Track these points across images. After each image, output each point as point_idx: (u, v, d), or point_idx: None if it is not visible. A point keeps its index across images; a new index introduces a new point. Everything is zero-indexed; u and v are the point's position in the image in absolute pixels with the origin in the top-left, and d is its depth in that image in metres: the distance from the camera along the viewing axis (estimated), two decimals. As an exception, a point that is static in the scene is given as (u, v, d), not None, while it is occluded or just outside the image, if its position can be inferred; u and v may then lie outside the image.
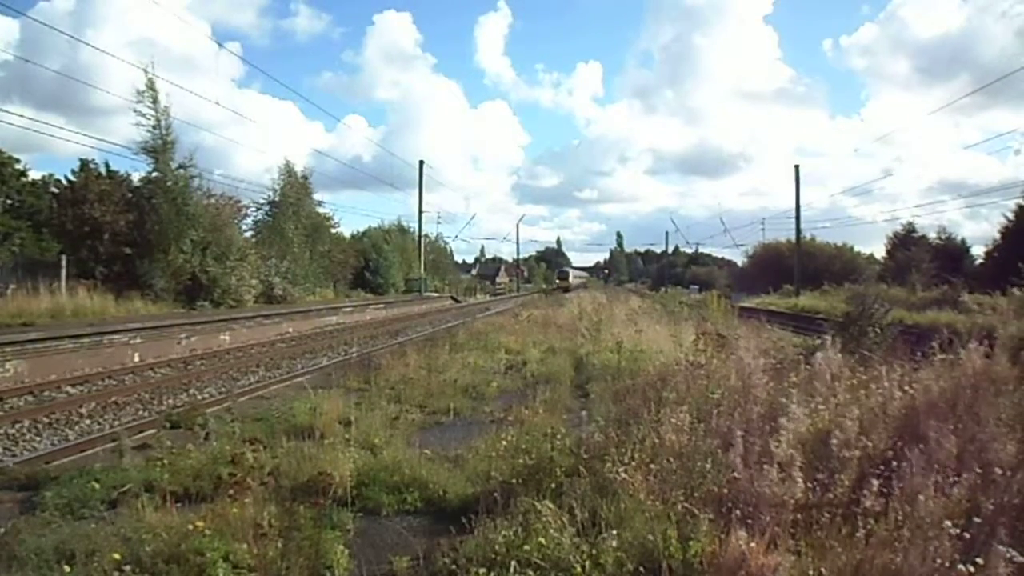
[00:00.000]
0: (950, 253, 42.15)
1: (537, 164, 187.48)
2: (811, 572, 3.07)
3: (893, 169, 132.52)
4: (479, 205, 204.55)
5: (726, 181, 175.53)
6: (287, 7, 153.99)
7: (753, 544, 3.11)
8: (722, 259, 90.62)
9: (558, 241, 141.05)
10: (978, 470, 3.60)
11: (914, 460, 3.44)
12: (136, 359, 14.93)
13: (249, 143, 76.31)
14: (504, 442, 5.72)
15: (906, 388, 4.55)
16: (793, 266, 45.40)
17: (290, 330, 22.64)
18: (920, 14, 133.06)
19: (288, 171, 35.32)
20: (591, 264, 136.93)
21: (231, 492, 4.29)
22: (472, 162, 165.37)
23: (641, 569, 3.41)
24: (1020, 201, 36.02)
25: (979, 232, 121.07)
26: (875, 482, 3.38)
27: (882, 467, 3.67)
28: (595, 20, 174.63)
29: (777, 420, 4.20)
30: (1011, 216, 36.87)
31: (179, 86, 54.03)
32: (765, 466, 3.59)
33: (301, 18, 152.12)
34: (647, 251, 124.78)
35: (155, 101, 24.26)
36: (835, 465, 3.75)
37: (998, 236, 38.01)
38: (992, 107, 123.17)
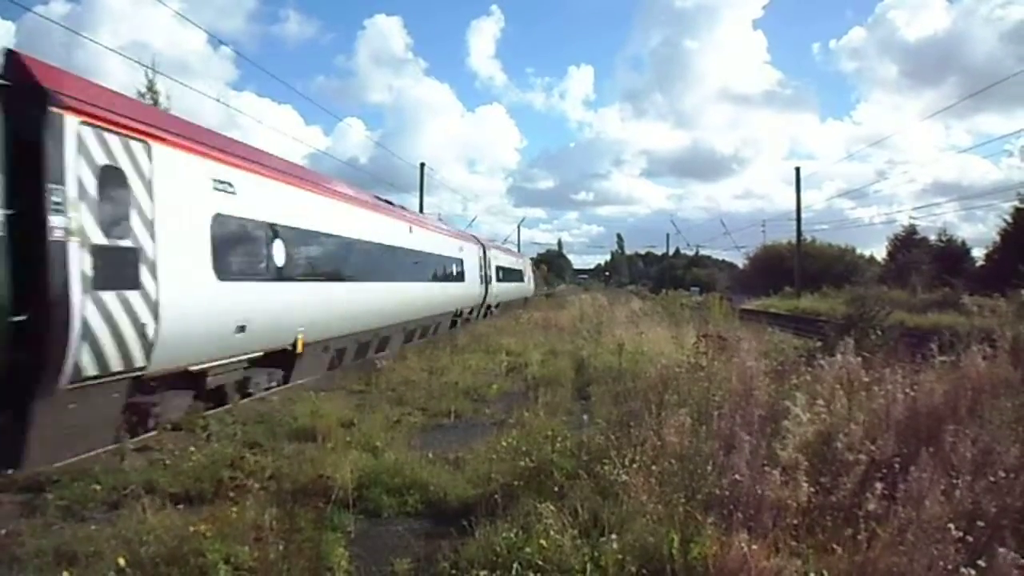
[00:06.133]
0: (950, 255, 42.19)
1: (533, 167, 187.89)
2: (813, 575, 3.07)
3: (886, 171, 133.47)
4: (477, 207, 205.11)
5: (721, 184, 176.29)
6: (276, 12, 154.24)
7: (755, 546, 3.11)
8: (723, 261, 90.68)
9: (559, 243, 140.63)
10: (987, 472, 3.59)
11: (918, 463, 3.44)
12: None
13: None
14: (505, 444, 5.72)
15: (907, 391, 4.55)
16: (793, 268, 45.38)
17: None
18: (908, 18, 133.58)
19: None
20: (592, 266, 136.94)
21: (232, 494, 4.30)
22: (468, 164, 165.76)
23: (643, 571, 3.40)
24: (1017, 204, 36.11)
25: (975, 234, 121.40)
26: (878, 485, 3.37)
27: (885, 470, 3.67)
28: (585, 24, 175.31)
29: (779, 422, 4.20)
30: (1009, 219, 36.96)
31: (182, 83, 53.79)
32: (767, 469, 3.59)
33: (291, 23, 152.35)
34: (648, 253, 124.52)
35: (156, 103, 24.30)
36: (838, 468, 3.74)
37: (997, 238, 38.13)
38: (982, 110, 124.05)
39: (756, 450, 3.80)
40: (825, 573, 3.06)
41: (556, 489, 4.57)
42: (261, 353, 9.27)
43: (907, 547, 3.00)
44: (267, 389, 9.71)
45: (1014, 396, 4.63)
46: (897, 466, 3.65)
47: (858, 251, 58.40)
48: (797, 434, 3.93)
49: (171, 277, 7.10)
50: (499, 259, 31.10)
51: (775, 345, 12.00)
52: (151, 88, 24.35)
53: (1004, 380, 4.80)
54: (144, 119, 7.36)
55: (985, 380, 4.69)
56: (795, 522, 3.39)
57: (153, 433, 7.04)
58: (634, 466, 4.41)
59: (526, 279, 42.04)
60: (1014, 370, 4.98)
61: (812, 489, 3.53)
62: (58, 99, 5.92)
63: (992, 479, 3.52)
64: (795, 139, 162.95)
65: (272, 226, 9.46)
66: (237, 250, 8.71)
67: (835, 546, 3.19)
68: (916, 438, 4.04)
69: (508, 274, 33.63)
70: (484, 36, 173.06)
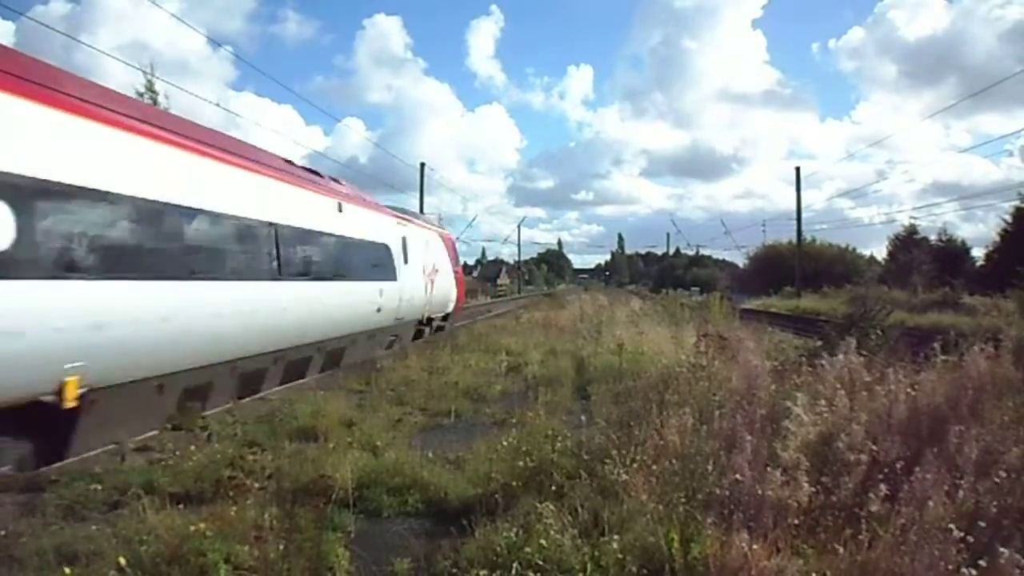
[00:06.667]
0: (950, 255, 42.19)
1: (532, 166, 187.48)
2: (814, 575, 3.06)
3: (886, 171, 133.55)
4: (476, 207, 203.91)
5: (721, 183, 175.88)
6: (276, 13, 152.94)
7: (756, 547, 3.10)
8: (723, 261, 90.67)
9: (559, 243, 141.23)
10: (989, 472, 3.58)
11: (921, 463, 3.43)
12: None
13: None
14: (505, 444, 5.72)
15: (909, 390, 4.54)
16: (794, 268, 45.39)
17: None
18: (907, 18, 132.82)
19: None
20: (592, 266, 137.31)
21: (232, 494, 4.30)
22: (468, 164, 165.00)
23: (643, 571, 3.40)
24: (1018, 204, 36.13)
25: (975, 234, 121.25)
26: (881, 486, 3.37)
27: (886, 470, 3.66)
28: (584, 24, 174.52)
29: (779, 422, 4.19)
30: (1009, 219, 36.98)
31: (178, 87, 53.18)
32: (768, 468, 3.58)
33: (290, 23, 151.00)
34: (648, 253, 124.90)
35: (155, 103, 24.31)
36: (839, 468, 3.74)
37: (997, 238, 38.15)
38: (982, 110, 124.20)
39: (757, 450, 3.80)
40: (827, 573, 3.05)
41: (556, 489, 4.57)
42: None
43: (909, 547, 3.00)
44: None
45: (1015, 396, 4.63)
46: (898, 467, 3.64)
47: (858, 251, 58.40)
48: (799, 434, 3.93)
49: None
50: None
51: (775, 345, 12.01)
52: (150, 88, 24.38)
53: (1006, 380, 4.80)
54: None
55: (987, 380, 4.68)
56: (796, 522, 3.38)
57: (153, 432, 7.05)
58: (634, 465, 4.40)
59: (405, 271, 16.29)
60: (1016, 370, 4.97)
61: (813, 489, 3.53)
62: None
63: (995, 480, 3.51)
64: (795, 139, 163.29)
65: None
66: None
67: (836, 546, 3.19)
68: (917, 438, 4.04)
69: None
70: (484, 36, 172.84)
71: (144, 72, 24.33)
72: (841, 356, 5.01)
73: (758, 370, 5.16)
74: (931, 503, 3.14)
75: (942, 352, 5.25)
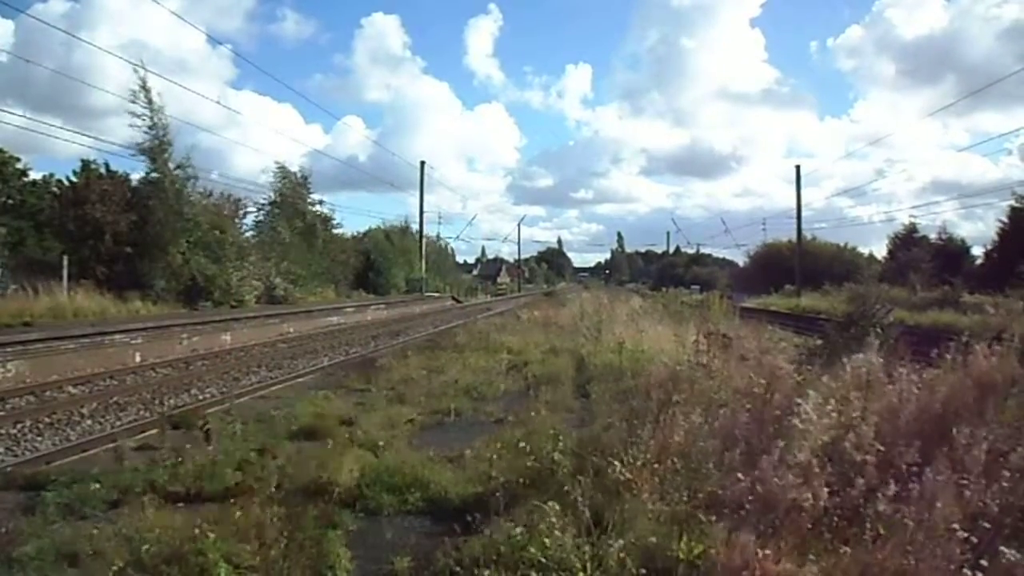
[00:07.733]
0: (950, 253, 42.10)
1: (532, 165, 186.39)
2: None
3: (885, 170, 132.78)
4: (476, 206, 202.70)
5: (720, 182, 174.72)
6: (274, 12, 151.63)
7: (760, 547, 3.09)
8: (723, 259, 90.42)
9: (559, 241, 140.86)
10: (994, 472, 3.56)
11: (933, 464, 3.41)
12: (137, 359, 14.91)
13: (249, 144, 74.34)
14: (505, 442, 5.71)
15: (915, 390, 4.51)
16: (794, 266, 45.37)
17: (291, 330, 22.62)
18: (905, 16, 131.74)
19: (282, 172, 35.21)
20: (592, 264, 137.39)
21: (232, 493, 4.30)
22: (467, 163, 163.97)
23: (645, 571, 3.38)
24: (1013, 203, 36.15)
25: (975, 232, 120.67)
26: (892, 485, 3.34)
27: (892, 471, 3.64)
28: (583, 23, 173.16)
29: (782, 422, 4.17)
30: (1006, 218, 36.99)
31: (179, 84, 53.09)
32: (776, 469, 3.56)
33: (288, 22, 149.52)
34: (648, 251, 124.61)
35: (149, 101, 24.18)
36: (846, 468, 3.71)
37: (996, 237, 38.14)
38: (980, 109, 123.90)
39: (770, 450, 3.76)
40: (832, 574, 3.04)
41: (557, 488, 4.55)
42: None
43: (915, 548, 2.98)
44: None
45: (1021, 395, 4.60)
46: (905, 467, 3.62)
47: (858, 249, 58.30)
48: (810, 435, 3.88)
49: None
50: None
51: (775, 343, 11.98)
52: (144, 86, 24.22)
53: (1011, 379, 4.76)
54: None
55: (994, 379, 4.65)
56: (801, 522, 3.36)
57: (153, 432, 7.05)
58: (638, 464, 4.39)
59: None
60: (1022, 368, 4.93)
61: (826, 491, 3.50)
62: None
63: (998, 480, 3.49)
64: (793, 137, 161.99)
65: None
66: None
67: (839, 545, 3.17)
68: (923, 438, 4.02)
69: None
70: (482, 34, 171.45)
71: (136, 68, 24.13)
72: (861, 355, 4.93)
73: (782, 372, 5.06)
74: (939, 504, 3.12)
75: (950, 352, 5.19)
